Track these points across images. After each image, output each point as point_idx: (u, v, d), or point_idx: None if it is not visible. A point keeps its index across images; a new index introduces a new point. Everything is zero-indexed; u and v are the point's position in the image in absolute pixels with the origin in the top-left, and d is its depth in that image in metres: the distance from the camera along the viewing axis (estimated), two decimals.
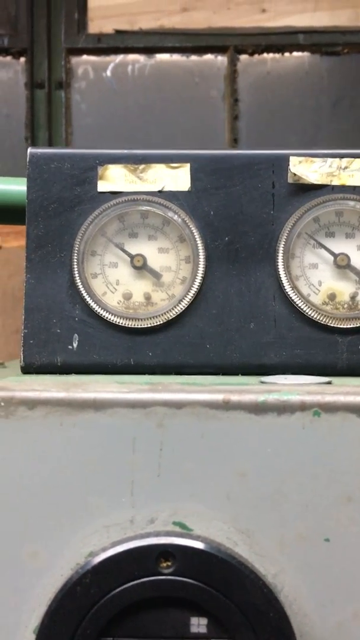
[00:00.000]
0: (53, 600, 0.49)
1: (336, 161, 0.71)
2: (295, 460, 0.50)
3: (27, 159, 0.72)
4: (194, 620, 0.49)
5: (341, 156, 0.71)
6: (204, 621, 0.49)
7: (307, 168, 0.71)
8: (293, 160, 0.71)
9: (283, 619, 0.49)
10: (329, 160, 0.71)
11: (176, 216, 0.71)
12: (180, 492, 0.51)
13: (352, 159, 0.71)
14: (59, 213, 0.71)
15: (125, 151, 0.72)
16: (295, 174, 0.71)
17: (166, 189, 0.71)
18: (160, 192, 0.71)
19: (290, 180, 0.71)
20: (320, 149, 0.73)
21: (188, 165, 0.72)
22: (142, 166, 0.72)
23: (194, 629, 0.49)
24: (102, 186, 0.72)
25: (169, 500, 0.51)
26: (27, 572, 0.50)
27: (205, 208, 0.71)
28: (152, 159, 0.72)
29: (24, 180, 0.90)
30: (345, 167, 0.71)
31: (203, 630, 0.49)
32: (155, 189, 0.71)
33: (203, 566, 0.49)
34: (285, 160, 0.72)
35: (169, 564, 0.49)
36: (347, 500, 0.50)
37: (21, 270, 0.70)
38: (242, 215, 0.71)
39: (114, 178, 0.72)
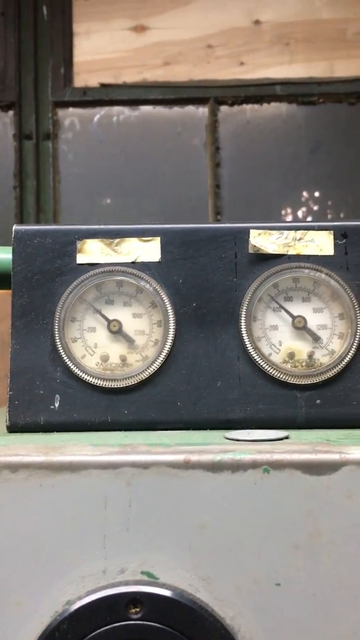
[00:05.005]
0: None
1: (292, 233, 0.79)
2: (249, 513, 0.56)
3: (13, 236, 0.79)
4: None
5: (296, 228, 0.79)
6: None
7: (265, 240, 0.79)
8: (253, 233, 0.79)
9: None
10: (285, 232, 0.79)
11: (148, 285, 0.78)
12: (148, 544, 0.56)
13: (306, 231, 0.79)
14: (42, 284, 0.78)
15: (102, 227, 0.80)
16: (255, 245, 0.78)
17: (139, 260, 0.79)
18: (134, 263, 0.78)
19: (250, 250, 0.79)
20: (277, 222, 0.80)
21: (158, 239, 0.79)
22: (116, 240, 0.79)
23: None
24: (81, 259, 0.79)
25: (137, 552, 0.56)
26: (12, 620, 0.56)
27: (175, 277, 0.78)
28: (125, 233, 0.79)
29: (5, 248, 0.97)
30: (300, 239, 0.79)
31: None
32: (129, 260, 0.79)
33: (168, 611, 0.54)
34: (246, 232, 0.79)
35: (137, 610, 0.54)
36: (295, 548, 0.55)
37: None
38: (208, 282, 0.78)
39: (92, 251, 0.79)
